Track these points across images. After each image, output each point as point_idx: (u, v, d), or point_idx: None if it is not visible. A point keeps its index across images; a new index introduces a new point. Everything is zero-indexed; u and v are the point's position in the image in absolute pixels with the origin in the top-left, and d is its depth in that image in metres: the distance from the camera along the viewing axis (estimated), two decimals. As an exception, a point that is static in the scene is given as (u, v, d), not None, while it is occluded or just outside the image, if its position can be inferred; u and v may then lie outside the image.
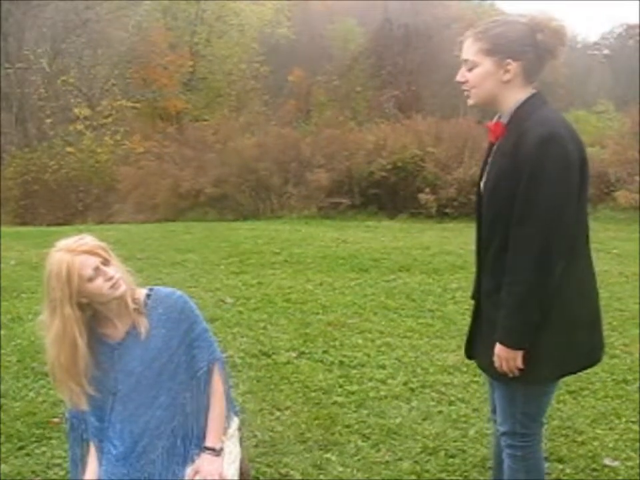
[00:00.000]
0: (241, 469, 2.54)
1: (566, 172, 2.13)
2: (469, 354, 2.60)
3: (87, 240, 2.29)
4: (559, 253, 2.15)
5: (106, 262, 2.30)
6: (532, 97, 2.28)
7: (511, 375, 2.28)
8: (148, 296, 2.44)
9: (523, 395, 2.35)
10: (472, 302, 2.61)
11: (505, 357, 2.25)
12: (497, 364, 2.28)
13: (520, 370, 2.25)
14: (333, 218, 13.94)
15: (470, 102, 2.36)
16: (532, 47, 2.25)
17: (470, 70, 2.30)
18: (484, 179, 2.39)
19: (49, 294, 2.26)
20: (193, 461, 2.40)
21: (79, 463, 2.50)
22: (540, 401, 2.42)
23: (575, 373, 2.49)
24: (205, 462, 2.38)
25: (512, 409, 2.39)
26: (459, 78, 2.35)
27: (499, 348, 2.26)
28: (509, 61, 2.24)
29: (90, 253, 2.26)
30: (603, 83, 42.33)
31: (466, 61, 2.31)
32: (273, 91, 31.27)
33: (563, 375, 2.46)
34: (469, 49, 2.30)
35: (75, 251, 2.23)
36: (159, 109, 27.37)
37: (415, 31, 32.09)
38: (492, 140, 2.38)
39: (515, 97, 2.28)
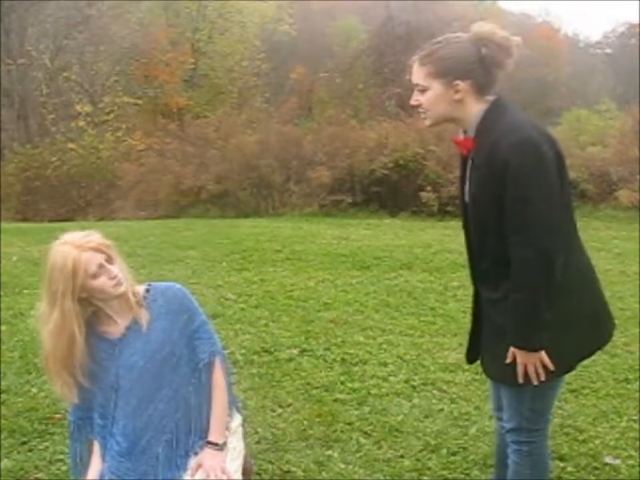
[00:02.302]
0: (243, 465, 2.55)
1: (545, 174, 2.14)
2: (469, 358, 2.62)
3: (94, 237, 2.30)
4: (556, 251, 2.17)
5: (110, 260, 2.31)
6: (492, 105, 2.27)
7: (536, 382, 2.28)
8: (147, 290, 2.45)
9: (531, 392, 2.36)
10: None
11: (532, 361, 2.26)
12: (520, 371, 2.28)
13: (545, 368, 2.26)
14: (334, 216, 13.94)
15: (426, 123, 2.37)
16: (478, 64, 2.23)
17: (421, 92, 2.30)
18: (466, 195, 2.38)
19: (51, 285, 2.26)
20: (196, 453, 2.41)
21: (81, 461, 2.51)
22: (547, 397, 2.43)
23: (583, 360, 2.49)
24: (207, 456, 2.39)
25: (519, 406, 2.40)
26: (412, 102, 2.34)
27: (521, 355, 2.26)
28: (457, 82, 2.24)
29: (96, 250, 2.27)
30: (604, 82, 42.30)
31: (417, 84, 2.30)
32: (274, 88, 31.27)
33: (571, 369, 2.46)
34: (417, 74, 2.29)
35: (82, 246, 2.24)
36: (160, 105, 27.36)
37: (417, 28, 31.96)
38: (463, 152, 2.37)
39: (471, 111, 2.27)
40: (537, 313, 2.20)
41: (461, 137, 2.36)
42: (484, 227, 2.30)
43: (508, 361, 2.30)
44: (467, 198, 2.38)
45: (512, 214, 2.17)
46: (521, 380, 2.30)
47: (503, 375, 2.37)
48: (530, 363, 2.26)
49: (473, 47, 2.23)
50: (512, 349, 2.28)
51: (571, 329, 2.30)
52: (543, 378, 2.28)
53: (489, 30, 2.24)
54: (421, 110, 2.33)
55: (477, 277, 2.46)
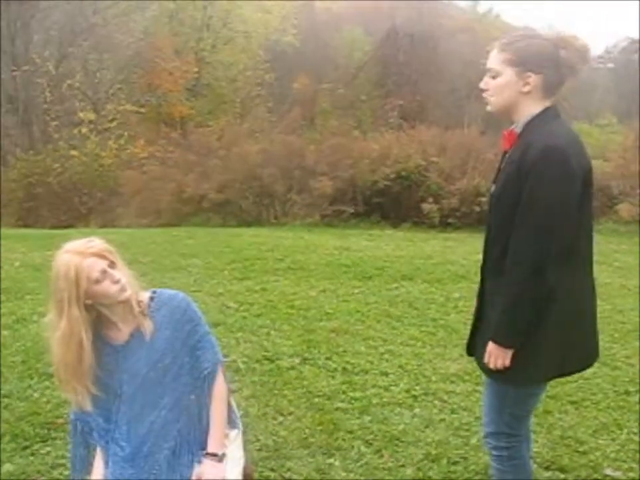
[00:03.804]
0: (245, 470, 2.56)
1: (564, 182, 2.21)
2: (469, 351, 2.67)
3: (96, 243, 2.31)
4: (552, 258, 2.22)
5: (112, 265, 2.32)
6: (545, 110, 2.36)
7: (495, 370, 2.35)
8: (151, 298, 2.46)
9: (513, 396, 2.44)
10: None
11: (495, 353, 2.34)
12: (485, 359, 2.37)
13: (507, 369, 2.33)
14: (335, 226, 13.96)
15: (488, 108, 2.46)
16: (553, 62, 2.33)
17: (493, 78, 2.39)
18: (494, 186, 2.47)
19: (56, 295, 2.27)
20: (199, 462, 2.41)
21: (81, 464, 2.52)
22: (528, 403, 2.51)
23: (565, 375, 2.58)
24: (207, 468, 2.39)
25: (501, 409, 2.47)
26: (482, 85, 2.44)
27: (490, 345, 2.35)
28: (529, 73, 2.32)
29: (98, 255, 2.27)
30: (606, 96, 42.39)
31: (490, 69, 2.40)
32: (277, 98, 31.29)
33: (554, 377, 2.53)
34: (494, 59, 2.39)
35: (83, 253, 2.25)
36: (163, 114, 27.40)
37: (420, 40, 32.16)
38: (505, 147, 2.46)
39: (530, 109, 2.36)
40: (516, 311, 2.27)
41: (510, 129, 2.44)
42: (501, 217, 2.36)
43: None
44: (492, 189, 2.47)
45: (521, 211, 2.25)
46: (485, 361, 2.37)
47: (491, 368, 2.42)
48: (493, 355, 2.34)
49: (553, 47, 2.34)
50: (490, 341, 2.36)
51: (560, 340, 2.35)
52: (500, 368, 2.34)
53: (571, 35, 2.37)
54: (487, 95, 2.43)
55: (485, 267, 2.53)
